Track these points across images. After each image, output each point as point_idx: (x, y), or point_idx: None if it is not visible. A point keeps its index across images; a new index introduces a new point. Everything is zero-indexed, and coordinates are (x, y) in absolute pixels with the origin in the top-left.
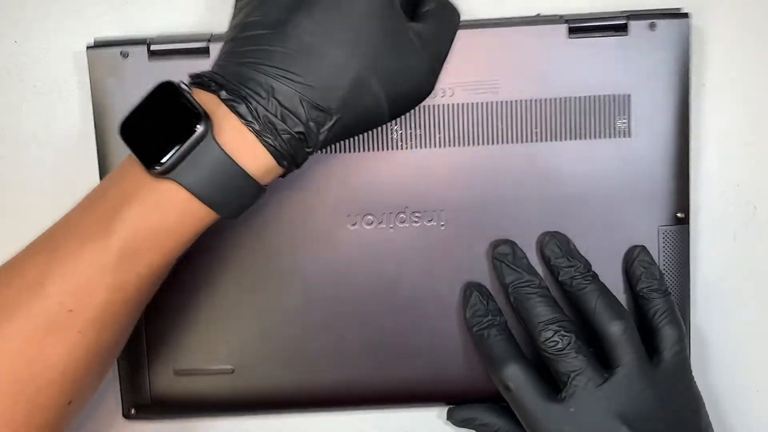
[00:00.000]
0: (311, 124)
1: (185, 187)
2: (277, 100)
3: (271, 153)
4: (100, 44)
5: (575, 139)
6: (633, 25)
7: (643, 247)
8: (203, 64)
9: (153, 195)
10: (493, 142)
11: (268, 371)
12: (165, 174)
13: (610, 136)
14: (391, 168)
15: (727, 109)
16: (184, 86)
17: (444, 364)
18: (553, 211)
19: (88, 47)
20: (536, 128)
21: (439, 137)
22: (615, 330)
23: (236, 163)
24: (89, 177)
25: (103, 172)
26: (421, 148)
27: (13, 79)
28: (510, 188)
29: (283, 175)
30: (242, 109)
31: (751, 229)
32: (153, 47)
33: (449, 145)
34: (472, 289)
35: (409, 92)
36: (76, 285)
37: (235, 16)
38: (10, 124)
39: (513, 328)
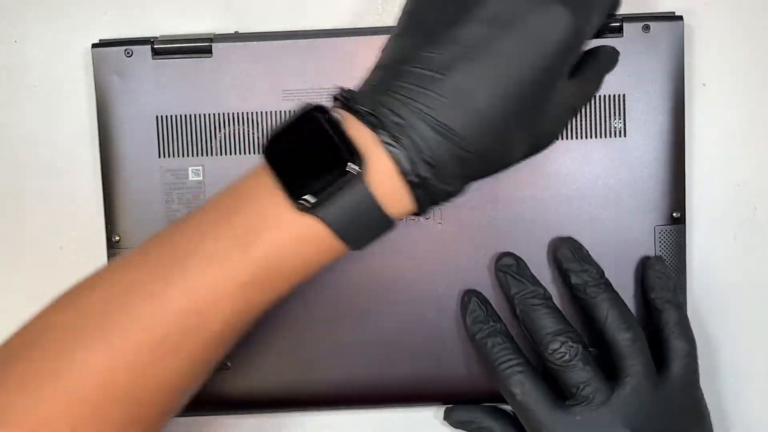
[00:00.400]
0: (459, 182)
1: (328, 225)
2: (433, 153)
3: (418, 203)
4: (104, 43)
5: (570, 138)
6: (627, 27)
7: (660, 257)
8: (206, 64)
9: (293, 230)
10: None
11: (265, 369)
12: (309, 210)
13: (605, 136)
14: None
15: (727, 108)
16: (336, 114)
17: (441, 362)
18: (548, 210)
19: (93, 46)
20: None
21: None
22: (625, 340)
23: (380, 206)
24: (89, 177)
25: (105, 170)
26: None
27: (13, 79)
28: (506, 187)
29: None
30: (401, 156)
31: (751, 229)
32: (157, 46)
33: None
34: (470, 295)
35: (540, 147)
36: (198, 305)
37: (399, 35)
38: (10, 124)
39: (516, 337)
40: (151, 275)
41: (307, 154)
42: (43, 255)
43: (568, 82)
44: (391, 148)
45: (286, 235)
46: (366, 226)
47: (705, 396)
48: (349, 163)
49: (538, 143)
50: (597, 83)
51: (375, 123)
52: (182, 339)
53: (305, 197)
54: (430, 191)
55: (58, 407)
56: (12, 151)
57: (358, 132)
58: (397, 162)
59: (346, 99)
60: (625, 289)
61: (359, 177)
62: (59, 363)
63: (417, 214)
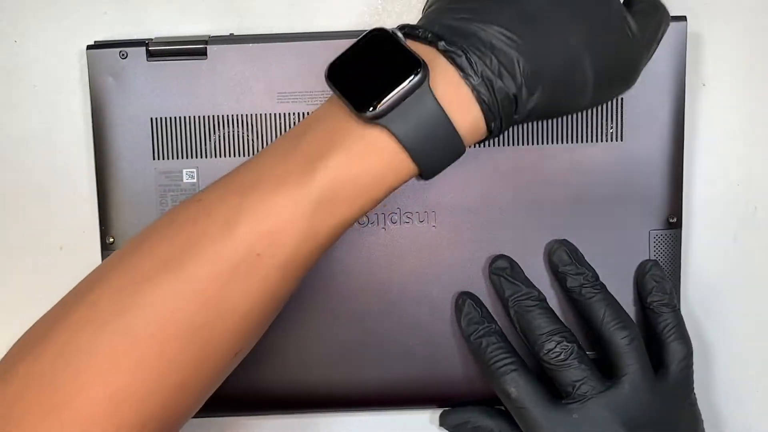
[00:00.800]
0: (524, 89)
1: (395, 135)
2: (497, 58)
3: (483, 111)
4: (99, 45)
5: (566, 142)
6: None
7: (656, 262)
8: (201, 65)
9: (360, 143)
10: (483, 145)
11: (260, 371)
12: (376, 119)
13: (601, 140)
14: None
15: (727, 108)
16: (399, 34)
17: (435, 365)
18: (544, 214)
19: (87, 47)
20: (528, 131)
21: None
22: (622, 340)
23: (447, 117)
24: (89, 177)
25: (100, 172)
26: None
27: (13, 78)
28: (501, 191)
29: (484, 139)
30: (462, 61)
31: (751, 229)
32: (152, 48)
33: None
34: (464, 297)
35: (613, 79)
36: (269, 229)
37: None
38: (10, 123)
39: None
40: (221, 204)
41: (370, 71)
42: (42, 255)
43: (625, 13)
44: (452, 54)
45: (353, 150)
46: (435, 143)
47: (701, 399)
48: (412, 73)
49: (611, 77)
50: (653, 15)
51: (433, 37)
52: (251, 267)
53: (370, 108)
54: (495, 99)
55: (122, 344)
56: (12, 151)
57: (420, 47)
58: (459, 67)
59: (404, 27)
60: (621, 293)
61: (425, 85)
62: (123, 299)
63: (486, 138)
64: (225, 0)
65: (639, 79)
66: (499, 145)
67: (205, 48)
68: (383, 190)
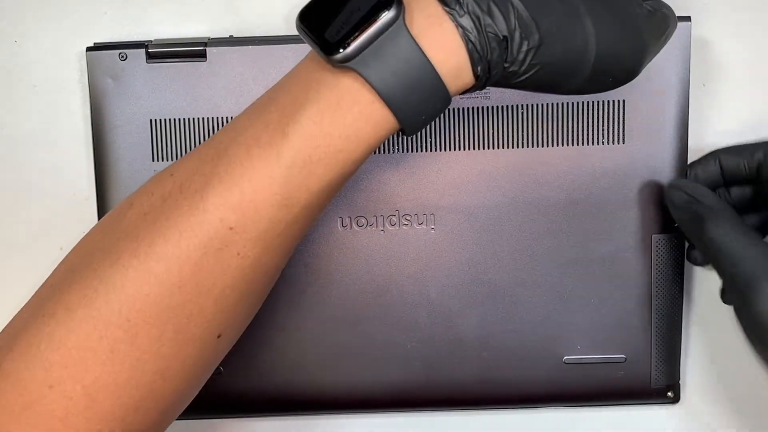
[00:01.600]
0: (517, 33)
1: (368, 80)
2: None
3: (468, 50)
4: (99, 47)
5: (568, 144)
6: None
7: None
8: (201, 67)
9: (332, 93)
10: (484, 147)
11: (257, 373)
12: (347, 62)
13: (603, 142)
14: (383, 171)
15: (727, 108)
16: None
17: (432, 367)
18: (543, 217)
19: (87, 49)
20: (528, 133)
21: (430, 141)
22: None
23: (426, 57)
24: (89, 177)
25: (99, 174)
26: (412, 151)
27: (13, 78)
28: (501, 193)
29: (471, 89)
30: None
31: None
32: (151, 50)
33: (440, 149)
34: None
35: (616, 60)
36: (239, 199)
37: None
38: (10, 123)
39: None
40: (192, 176)
41: (344, 11)
42: (43, 255)
43: (636, 2)
44: None
45: (324, 101)
46: (414, 88)
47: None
48: (388, 9)
49: (615, 52)
50: (660, 12)
51: None
52: (225, 242)
53: (340, 50)
54: (483, 37)
55: (93, 332)
56: (12, 151)
57: None
58: (445, 2)
59: None
60: (621, 298)
61: (399, 21)
62: (92, 284)
63: (474, 87)
64: (225, 1)
65: (642, 80)
66: (499, 148)
67: (205, 50)
68: (362, 147)
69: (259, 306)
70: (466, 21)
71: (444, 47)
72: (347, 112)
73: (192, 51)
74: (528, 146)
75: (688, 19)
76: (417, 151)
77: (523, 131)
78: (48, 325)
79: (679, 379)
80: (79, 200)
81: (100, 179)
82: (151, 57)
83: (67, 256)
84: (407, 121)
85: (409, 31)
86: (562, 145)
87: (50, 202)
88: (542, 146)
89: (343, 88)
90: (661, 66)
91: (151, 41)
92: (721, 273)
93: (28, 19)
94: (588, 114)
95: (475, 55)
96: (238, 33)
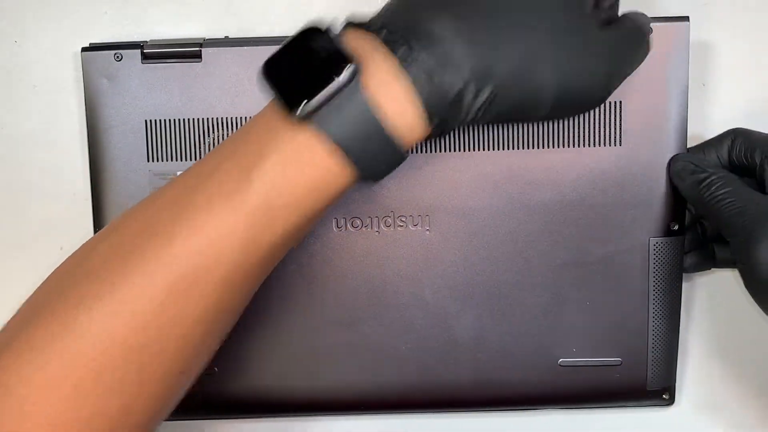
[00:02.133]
0: (471, 85)
1: (326, 133)
2: (442, 48)
3: (423, 105)
4: (94, 47)
5: (564, 146)
6: None
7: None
8: (196, 68)
9: (292, 145)
10: (480, 149)
11: (251, 373)
12: (307, 119)
13: (600, 144)
14: None
15: (727, 108)
16: (333, 28)
17: (427, 369)
18: (539, 219)
19: (82, 49)
20: (524, 135)
21: (426, 142)
22: None
23: (377, 116)
24: (89, 177)
25: (95, 174)
26: (408, 152)
27: (12, 79)
28: (496, 195)
29: (429, 137)
30: (403, 51)
31: None
32: (146, 50)
33: (436, 151)
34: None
35: (578, 92)
36: (204, 243)
37: None
38: (10, 123)
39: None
40: (158, 218)
41: (304, 68)
42: (43, 255)
43: (598, 28)
44: (395, 46)
45: (285, 153)
46: (370, 142)
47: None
48: (344, 70)
49: (575, 89)
50: (630, 33)
51: (381, 27)
52: (190, 285)
53: (300, 106)
54: (436, 94)
55: (59, 370)
56: (12, 151)
57: (361, 40)
58: (402, 60)
59: (353, 18)
60: (616, 300)
61: (354, 82)
62: (60, 323)
63: (431, 137)
64: (225, 1)
65: (640, 80)
66: (495, 149)
67: (200, 51)
68: (324, 196)
69: (223, 340)
70: (419, 78)
71: (399, 104)
72: (308, 164)
73: (187, 52)
74: (524, 148)
75: (686, 19)
76: (412, 152)
77: (518, 133)
78: (18, 362)
79: (675, 381)
80: (79, 200)
81: (95, 180)
82: (146, 57)
83: (34, 293)
84: (366, 171)
85: (364, 91)
86: (558, 146)
87: (50, 202)
88: (538, 148)
89: (302, 142)
90: (659, 67)
91: (147, 42)
92: (724, 226)
93: (28, 19)
94: (584, 115)
95: (429, 111)
96: (238, 34)
